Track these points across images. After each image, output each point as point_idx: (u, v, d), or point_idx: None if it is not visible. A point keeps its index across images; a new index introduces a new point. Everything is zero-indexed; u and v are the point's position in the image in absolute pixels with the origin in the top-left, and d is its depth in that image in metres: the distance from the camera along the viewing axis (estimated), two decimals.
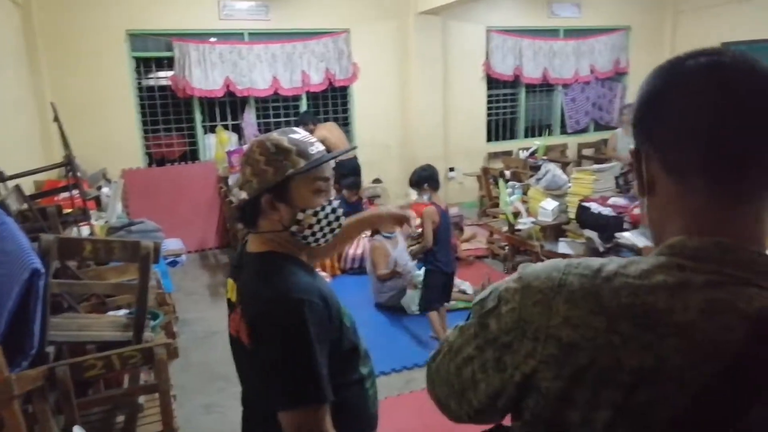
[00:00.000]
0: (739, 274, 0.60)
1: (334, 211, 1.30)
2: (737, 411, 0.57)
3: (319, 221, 1.28)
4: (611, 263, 0.64)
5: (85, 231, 3.69)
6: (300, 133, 1.31)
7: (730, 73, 0.64)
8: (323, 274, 5.31)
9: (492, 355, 0.69)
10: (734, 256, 0.61)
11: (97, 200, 4.89)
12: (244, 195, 1.30)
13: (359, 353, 1.37)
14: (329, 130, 6.46)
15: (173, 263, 5.04)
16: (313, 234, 1.29)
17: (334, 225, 1.31)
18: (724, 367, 0.56)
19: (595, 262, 0.66)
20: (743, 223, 0.64)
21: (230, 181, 6.05)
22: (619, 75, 9.07)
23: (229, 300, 1.38)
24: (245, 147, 1.31)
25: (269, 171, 1.24)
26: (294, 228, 1.27)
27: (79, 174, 3.74)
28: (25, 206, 3.29)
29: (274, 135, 1.29)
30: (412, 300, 4.53)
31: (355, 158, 6.59)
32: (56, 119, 3.71)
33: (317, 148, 1.30)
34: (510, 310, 0.67)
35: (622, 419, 0.59)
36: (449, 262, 3.92)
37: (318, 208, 1.28)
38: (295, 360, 1.16)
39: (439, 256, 3.85)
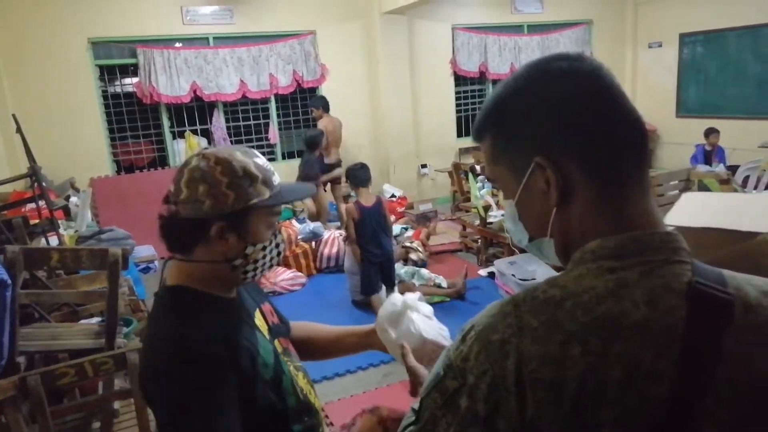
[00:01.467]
0: (659, 257, 0.64)
1: (278, 246, 1.19)
2: (705, 383, 0.60)
3: (264, 256, 1.16)
4: (551, 287, 0.64)
5: (53, 241, 3.66)
6: (262, 159, 1.16)
7: (598, 72, 0.69)
8: (299, 274, 5.33)
9: (480, 430, 0.63)
10: (648, 244, 0.65)
11: (66, 210, 4.83)
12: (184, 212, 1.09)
13: (286, 410, 1.17)
14: (332, 122, 6.54)
15: (146, 270, 5.01)
16: (255, 269, 1.16)
17: (276, 260, 1.20)
18: (681, 347, 0.60)
19: (535, 291, 0.65)
20: (648, 211, 0.68)
21: None
22: None
23: None
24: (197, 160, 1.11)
25: (230, 196, 1.07)
26: (238, 262, 1.12)
27: (44, 184, 3.71)
28: None
29: (239, 155, 1.11)
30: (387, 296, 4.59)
31: (339, 161, 6.69)
32: (18, 130, 3.67)
33: (277, 178, 1.17)
34: (481, 375, 0.63)
35: (621, 427, 0.60)
36: (379, 253, 4.28)
37: (267, 243, 1.16)
38: (187, 427, 1.00)
39: (367, 247, 4.28)
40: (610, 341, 0.60)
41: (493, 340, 0.63)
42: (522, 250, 5.00)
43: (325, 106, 6.64)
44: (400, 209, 7.01)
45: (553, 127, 0.68)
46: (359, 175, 4.29)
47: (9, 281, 2.10)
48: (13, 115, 3.78)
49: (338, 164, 6.71)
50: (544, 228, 0.71)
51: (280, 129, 7.41)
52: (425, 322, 1.26)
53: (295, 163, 6.63)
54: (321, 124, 6.54)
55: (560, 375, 0.60)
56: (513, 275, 4.46)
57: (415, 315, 1.27)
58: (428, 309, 1.33)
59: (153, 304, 1.15)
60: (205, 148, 1.15)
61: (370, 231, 4.27)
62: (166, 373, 1.02)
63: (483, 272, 5.20)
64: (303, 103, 7.39)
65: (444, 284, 4.95)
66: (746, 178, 5.55)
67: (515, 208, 0.74)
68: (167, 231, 1.13)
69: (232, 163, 1.08)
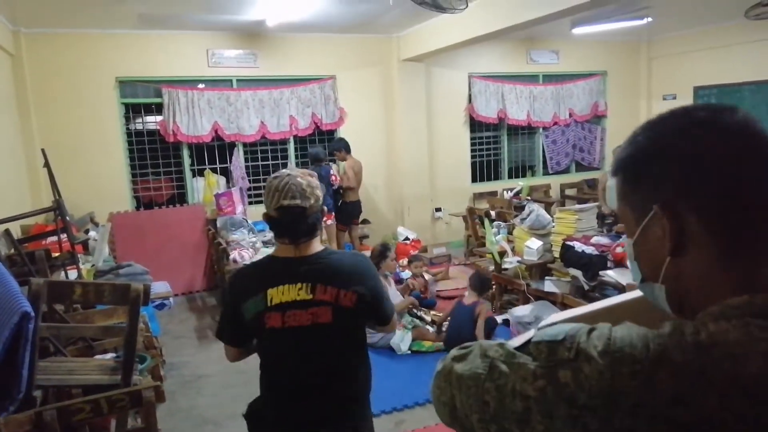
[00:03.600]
0: None
1: None
2: None
3: None
4: (699, 332, 0.61)
5: (72, 275, 3.68)
6: None
7: (746, 128, 0.65)
8: None
9: (565, 410, 0.62)
10: None
11: (85, 244, 4.89)
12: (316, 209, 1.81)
13: None
14: (356, 163, 6.83)
15: (160, 306, 5.00)
16: None
17: None
18: None
19: (686, 331, 0.61)
20: None
21: (218, 224, 6.09)
22: (598, 118, 9.37)
23: (292, 302, 1.73)
24: (297, 178, 1.79)
25: (319, 189, 1.83)
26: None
27: (67, 218, 3.76)
28: (12, 251, 3.29)
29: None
30: (401, 340, 4.53)
31: (359, 201, 6.91)
32: (46, 165, 3.76)
33: None
34: (596, 374, 0.61)
35: None
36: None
37: None
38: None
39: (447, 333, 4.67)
40: (750, 404, 0.56)
41: (627, 353, 0.61)
42: (537, 298, 4.96)
43: (347, 148, 6.78)
44: (413, 252, 7.00)
45: (678, 177, 0.66)
46: (471, 280, 4.83)
47: (33, 314, 2.11)
48: (42, 150, 3.87)
49: (358, 204, 6.78)
50: (656, 273, 0.71)
51: None
52: None
53: None
54: (347, 165, 6.66)
55: (691, 421, 0.57)
56: (528, 324, 4.40)
57: None
58: None
59: (324, 262, 1.79)
60: (287, 174, 1.80)
61: (454, 323, 4.61)
62: (374, 271, 1.90)
63: (498, 319, 5.13)
64: (321, 145, 7.50)
65: (427, 318, 4.96)
66: None
67: (632, 248, 0.74)
68: (308, 225, 1.77)
69: (313, 174, 1.88)
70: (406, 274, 5.76)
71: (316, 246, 1.81)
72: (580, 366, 0.62)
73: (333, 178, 6.43)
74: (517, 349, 0.70)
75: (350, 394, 1.82)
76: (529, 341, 0.69)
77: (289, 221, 1.74)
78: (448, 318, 4.69)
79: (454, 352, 0.78)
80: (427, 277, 5.86)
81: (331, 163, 6.79)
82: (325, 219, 6.37)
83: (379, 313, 1.87)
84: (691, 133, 0.66)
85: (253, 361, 1.91)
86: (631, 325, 0.65)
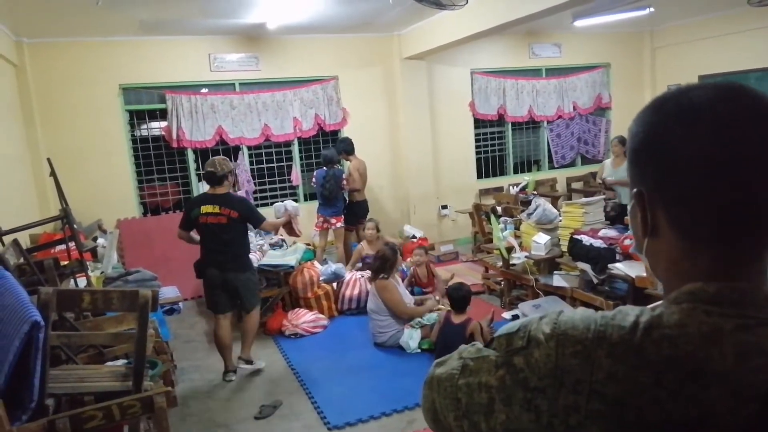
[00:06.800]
0: (760, 316, 0.62)
1: None
2: None
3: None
4: (644, 314, 0.64)
5: (82, 282, 3.70)
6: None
7: (732, 118, 0.63)
8: (321, 316, 5.30)
9: (521, 394, 0.66)
10: (751, 299, 0.63)
11: (93, 251, 4.91)
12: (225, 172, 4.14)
13: None
14: (361, 163, 6.74)
15: (170, 311, 5.03)
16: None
17: None
18: (758, 408, 0.58)
19: (630, 313, 0.65)
20: (751, 274, 0.66)
21: None
22: (602, 110, 9.32)
23: (210, 212, 4.04)
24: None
25: (229, 165, 4.20)
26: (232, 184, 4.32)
27: (75, 226, 3.78)
28: (22, 260, 3.31)
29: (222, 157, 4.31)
30: (410, 338, 4.53)
31: (366, 200, 6.83)
32: (53, 174, 3.78)
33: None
34: (544, 356, 0.65)
35: None
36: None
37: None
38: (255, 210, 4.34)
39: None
40: (684, 382, 0.59)
41: (570, 335, 0.65)
42: (546, 293, 4.94)
43: (349, 149, 6.72)
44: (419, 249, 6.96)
45: (655, 174, 0.68)
46: (450, 301, 4.56)
47: (43, 323, 2.13)
48: (48, 159, 3.89)
49: (365, 203, 6.76)
50: (640, 245, 0.74)
51: (302, 171, 7.52)
52: (292, 206, 4.66)
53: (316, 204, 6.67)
54: (352, 166, 6.63)
55: (623, 396, 0.60)
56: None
57: (288, 203, 4.66)
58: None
59: (226, 197, 4.11)
60: (212, 158, 4.25)
61: (444, 346, 4.22)
62: (247, 202, 4.44)
63: (507, 315, 5.12)
64: (325, 146, 7.50)
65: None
66: None
67: (630, 215, 0.76)
68: (217, 179, 4.11)
69: (226, 159, 4.30)
70: (405, 268, 5.73)
71: (224, 190, 4.09)
72: (531, 351, 0.67)
73: (344, 182, 6.43)
74: (486, 345, 0.74)
75: (238, 252, 4.14)
76: (493, 339, 0.74)
77: (208, 177, 4.08)
78: (438, 336, 4.42)
79: (437, 360, 0.81)
80: (443, 275, 5.82)
81: (344, 164, 6.75)
82: (334, 222, 6.43)
83: (252, 220, 4.15)
84: (675, 125, 0.66)
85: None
86: (581, 309, 0.70)
